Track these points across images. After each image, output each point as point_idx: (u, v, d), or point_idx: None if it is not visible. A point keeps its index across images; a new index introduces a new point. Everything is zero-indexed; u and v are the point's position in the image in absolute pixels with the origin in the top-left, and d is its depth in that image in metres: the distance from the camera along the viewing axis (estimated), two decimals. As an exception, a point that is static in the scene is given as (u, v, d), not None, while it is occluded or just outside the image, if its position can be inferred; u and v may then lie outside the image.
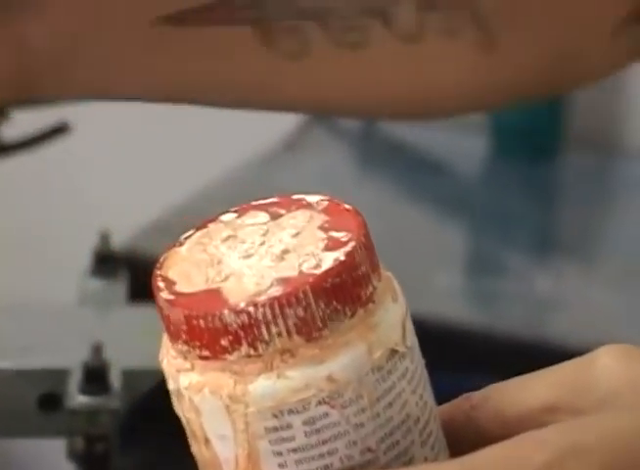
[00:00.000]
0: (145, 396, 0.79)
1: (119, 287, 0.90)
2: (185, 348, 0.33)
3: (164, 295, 0.33)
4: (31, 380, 0.80)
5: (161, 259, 0.35)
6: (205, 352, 0.32)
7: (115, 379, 0.77)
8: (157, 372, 0.79)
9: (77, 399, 0.76)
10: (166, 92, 0.62)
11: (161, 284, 0.34)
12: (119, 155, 1.47)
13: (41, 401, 0.79)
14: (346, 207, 0.34)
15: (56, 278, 1.13)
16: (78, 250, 1.03)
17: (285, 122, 1.32)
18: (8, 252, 1.44)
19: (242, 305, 0.32)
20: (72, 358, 0.79)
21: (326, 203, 0.35)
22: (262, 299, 0.32)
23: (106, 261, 0.91)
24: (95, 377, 0.76)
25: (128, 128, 1.38)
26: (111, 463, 0.79)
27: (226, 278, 0.33)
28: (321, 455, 0.33)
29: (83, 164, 1.38)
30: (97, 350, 0.76)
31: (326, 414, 0.33)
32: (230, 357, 0.32)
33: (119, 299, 0.89)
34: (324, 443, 0.33)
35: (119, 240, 0.94)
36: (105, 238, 0.92)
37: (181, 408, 0.34)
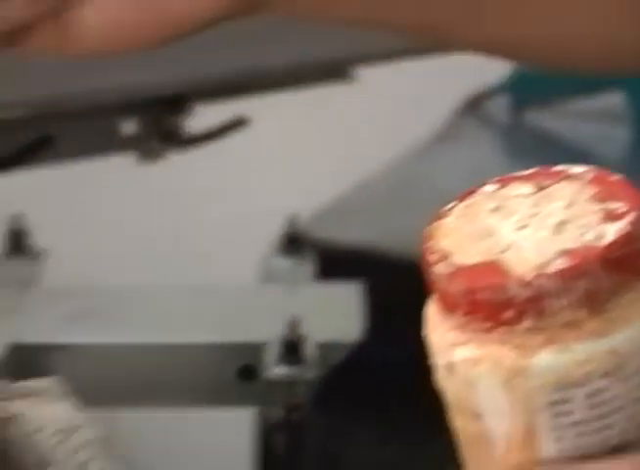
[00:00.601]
0: (336, 368, 0.80)
1: (306, 266, 0.91)
2: (463, 320, 0.31)
3: (441, 267, 0.31)
4: (231, 353, 0.81)
5: (429, 232, 0.33)
6: (486, 325, 0.30)
7: (310, 351, 0.78)
8: (347, 345, 0.81)
9: (275, 370, 0.77)
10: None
11: (436, 256, 0.32)
12: (293, 147, 1.49)
13: (240, 373, 0.80)
14: (616, 177, 0.32)
15: (239, 259, 1.13)
16: (260, 232, 1.02)
17: (437, 114, 1.30)
18: (197, 236, 1.45)
19: (528, 277, 0.30)
20: (269, 333, 0.80)
21: (593, 174, 0.32)
22: (549, 271, 0.30)
23: (293, 242, 0.91)
24: (291, 350, 0.77)
25: (304, 122, 1.39)
26: (306, 432, 0.79)
27: (504, 250, 0.31)
28: (599, 429, 0.31)
29: (268, 154, 1.39)
30: (293, 324, 0.77)
31: (607, 388, 0.31)
32: (513, 330, 0.30)
33: (307, 277, 0.90)
34: (603, 417, 0.31)
35: (301, 222, 0.94)
36: (292, 220, 0.92)
37: (451, 383, 0.32)
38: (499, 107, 1.34)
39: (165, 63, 1.03)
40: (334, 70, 1.13)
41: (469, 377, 0.31)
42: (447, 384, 0.32)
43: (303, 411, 0.79)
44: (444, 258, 0.32)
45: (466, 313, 0.31)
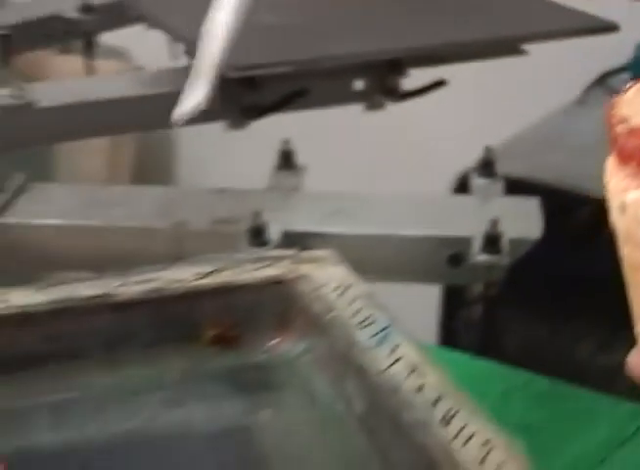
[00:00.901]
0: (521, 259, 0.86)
1: (497, 185, 0.97)
2: (635, 170, 0.33)
3: (620, 128, 0.33)
4: (442, 244, 0.88)
5: (612, 104, 0.35)
6: None
7: (504, 245, 0.85)
8: (532, 242, 0.87)
9: (478, 257, 0.84)
10: None
11: (617, 119, 0.34)
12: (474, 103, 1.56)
13: (450, 259, 0.87)
14: None
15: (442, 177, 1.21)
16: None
17: (577, 85, 1.39)
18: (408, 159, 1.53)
19: None
20: (473, 229, 0.87)
21: None
22: None
23: (486, 166, 0.98)
24: (491, 242, 0.84)
25: (482, 84, 1.46)
26: (499, 304, 0.87)
27: None
28: None
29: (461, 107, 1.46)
30: (494, 222, 0.84)
31: None
32: None
33: (497, 193, 0.96)
34: None
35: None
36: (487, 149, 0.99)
37: (623, 220, 0.34)
38: (622, 81, 1.33)
39: (387, 35, 1.14)
40: (508, 46, 1.20)
41: (637, 215, 0.33)
42: (619, 222, 0.34)
43: (497, 288, 0.85)
44: (624, 121, 0.33)
45: (638, 164, 0.32)
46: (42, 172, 0.93)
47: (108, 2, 1.35)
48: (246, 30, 1.16)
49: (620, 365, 0.38)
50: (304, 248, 0.84)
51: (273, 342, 0.67)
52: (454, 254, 0.87)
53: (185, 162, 1.85)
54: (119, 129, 1.34)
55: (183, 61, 1.19)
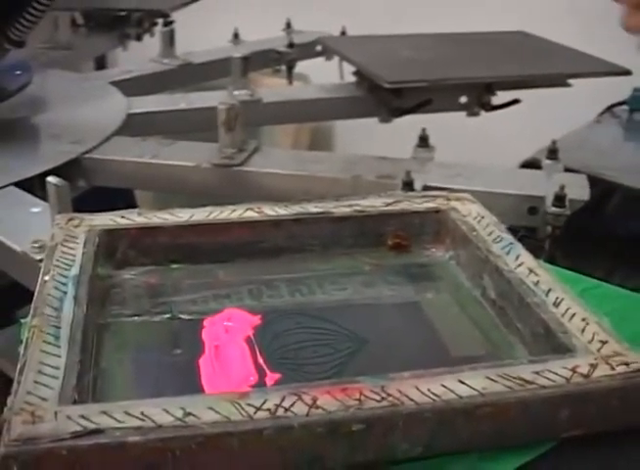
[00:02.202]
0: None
1: (559, 165, 0.94)
2: None
3: None
4: (525, 200, 0.85)
5: None
6: None
7: (567, 203, 0.81)
8: None
9: (550, 209, 0.81)
10: None
11: None
12: None
13: (529, 210, 0.84)
14: None
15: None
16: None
17: (594, 111, 1.32)
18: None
19: None
20: (545, 191, 0.84)
21: None
22: None
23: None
24: (559, 200, 0.81)
25: None
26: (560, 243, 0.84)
27: None
28: None
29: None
30: (562, 187, 0.81)
31: None
32: None
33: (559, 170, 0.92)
34: None
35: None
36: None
37: None
38: (623, 111, 1.31)
39: (483, 67, 1.12)
40: (560, 80, 1.17)
41: None
42: None
43: (561, 231, 0.83)
44: None
45: None
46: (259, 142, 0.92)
47: (305, 42, 1.37)
48: (395, 60, 1.15)
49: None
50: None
51: (432, 250, 0.65)
52: (532, 206, 0.84)
53: (343, 143, 1.84)
54: (307, 118, 1.37)
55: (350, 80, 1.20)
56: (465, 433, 0.44)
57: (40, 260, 0.67)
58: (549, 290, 0.53)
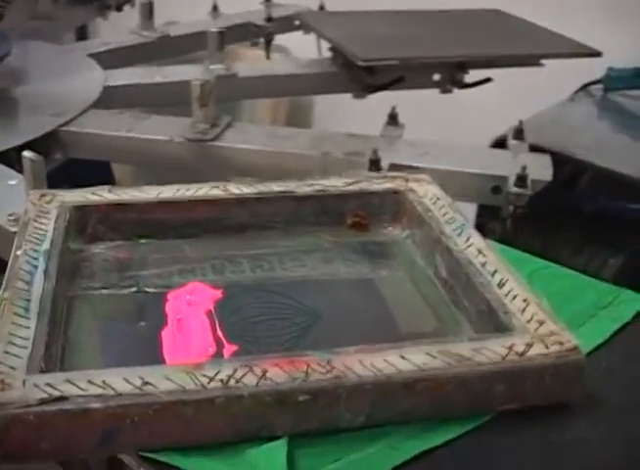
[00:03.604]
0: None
1: (525, 145, 0.96)
2: None
3: None
4: (489, 179, 0.87)
5: None
6: None
7: (529, 183, 0.84)
8: None
9: (512, 189, 0.84)
10: None
11: None
12: None
13: (492, 189, 0.86)
14: None
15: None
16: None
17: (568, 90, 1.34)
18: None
19: None
20: (508, 171, 0.85)
21: None
22: None
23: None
24: (521, 180, 0.83)
25: None
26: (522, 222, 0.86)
27: None
28: None
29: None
30: (524, 167, 0.83)
31: None
32: None
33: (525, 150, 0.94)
34: None
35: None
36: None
37: None
38: (598, 89, 1.32)
39: (455, 46, 1.14)
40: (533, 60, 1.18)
41: None
42: None
43: (522, 210, 0.86)
44: None
45: None
46: (234, 117, 0.94)
47: (283, 15, 1.37)
48: (370, 37, 1.17)
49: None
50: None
51: (389, 229, 0.67)
52: (496, 186, 0.86)
53: (321, 118, 1.85)
54: (282, 93, 1.38)
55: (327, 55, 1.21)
56: (404, 405, 0.47)
57: (15, 233, 0.70)
58: (495, 271, 0.57)
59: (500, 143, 1.08)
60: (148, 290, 0.59)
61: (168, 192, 0.65)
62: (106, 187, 0.65)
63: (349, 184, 0.68)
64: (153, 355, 0.52)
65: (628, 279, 0.63)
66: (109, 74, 1.09)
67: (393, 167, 0.86)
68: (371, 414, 0.47)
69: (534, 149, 0.96)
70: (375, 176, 0.69)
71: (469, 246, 0.58)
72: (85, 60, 1.14)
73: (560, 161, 0.92)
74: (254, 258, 0.63)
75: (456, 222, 0.61)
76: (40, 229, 0.59)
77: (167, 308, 0.57)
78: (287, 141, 0.94)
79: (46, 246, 0.57)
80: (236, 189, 0.66)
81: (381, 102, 1.13)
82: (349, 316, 0.57)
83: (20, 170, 0.79)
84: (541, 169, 0.87)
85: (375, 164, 0.86)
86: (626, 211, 1.11)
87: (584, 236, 1.11)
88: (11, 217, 0.73)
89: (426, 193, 0.67)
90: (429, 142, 0.93)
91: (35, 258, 0.55)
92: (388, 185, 0.68)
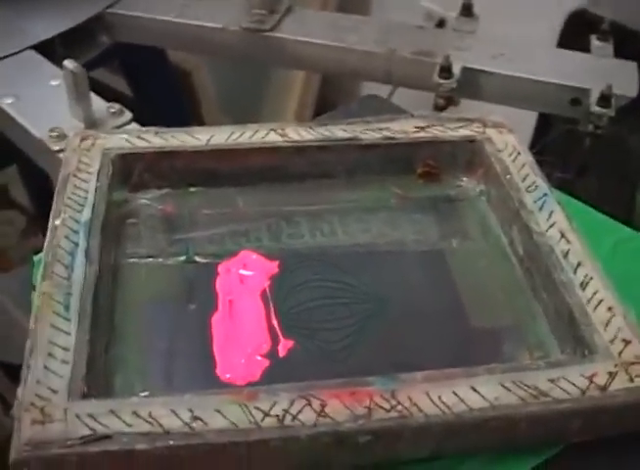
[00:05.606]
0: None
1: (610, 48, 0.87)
2: None
3: None
4: (568, 91, 0.80)
5: None
6: None
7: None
8: None
9: (594, 108, 0.76)
10: None
11: None
12: None
13: (571, 101, 0.80)
14: None
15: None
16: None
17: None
18: None
19: None
20: (590, 84, 0.78)
21: None
22: None
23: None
24: (605, 99, 0.76)
25: None
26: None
27: None
28: None
29: None
30: (609, 87, 0.76)
31: None
32: None
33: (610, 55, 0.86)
34: None
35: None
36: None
37: None
38: None
39: None
40: None
41: None
42: None
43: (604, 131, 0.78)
44: None
45: None
46: None
47: None
48: None
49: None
50: (476, 84, 0.78)
51: (462, 182, 0.61)
52: (576, 98, 0.79)
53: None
54: None
55: None
56: (472, 442, 0.43)
57: (58, 151, 0.65)
58: (578, 264, 0.51)
59: (579, 14, 0.99)
60: (198, 259, 0.54)
61: (221, 136, 0.59)
62: (152, 129, 0.59)
63: (421, 129, 0.61)
64: (203, 354, 0.48)
65: None
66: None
67: (466, 71, 0.80)
68: (436, 450, 0.43)
69: (615, 28, 0.87)
70: (449, 119, 0.62)
71: (551, 225, 0.52)
72: None
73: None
74: (314, 216, 0.58)
75: (538, 191, 0.55)
76: (81, 188, 0.54)
77: (218, 285, 0.52)
78: (350, 33, 0.85)
79: (87, 214, 0.52)
80: (295, 134, 0.59)
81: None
82: (415, 304, 0.52)
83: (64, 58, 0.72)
84: (625, 82, 0.79)
85: (445, 71, 0.79)
86: None
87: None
88: (53, 134, 0.68)
89: (505, 145, 0.60)
90: (504, 39, 0.84)
91: (75, 232, 0.50)
92: (464, 131, 0.61)
